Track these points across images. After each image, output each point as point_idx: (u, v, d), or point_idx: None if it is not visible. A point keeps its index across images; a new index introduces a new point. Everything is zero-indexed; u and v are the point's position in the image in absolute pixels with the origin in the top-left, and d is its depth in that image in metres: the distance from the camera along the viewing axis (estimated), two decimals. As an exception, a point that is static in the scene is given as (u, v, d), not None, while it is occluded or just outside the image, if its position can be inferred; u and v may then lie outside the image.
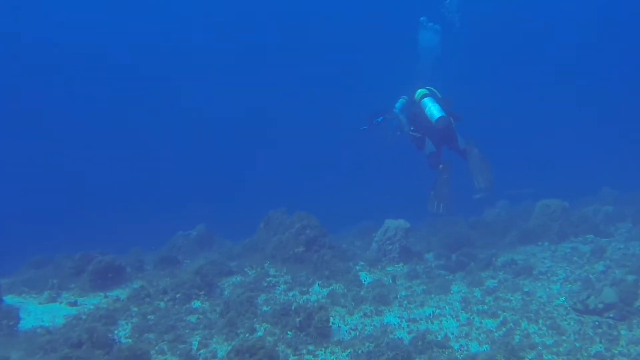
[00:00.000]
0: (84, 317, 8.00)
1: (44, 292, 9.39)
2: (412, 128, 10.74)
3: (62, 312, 8.53)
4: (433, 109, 10.07)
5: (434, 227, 15.16)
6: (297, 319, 7.43)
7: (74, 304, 8.95)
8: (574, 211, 13.24)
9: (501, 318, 7.96)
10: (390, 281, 9.70)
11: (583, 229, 12.59)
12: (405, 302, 8.77)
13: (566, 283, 9.41)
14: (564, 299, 8.54)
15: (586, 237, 12.42)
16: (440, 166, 10.64)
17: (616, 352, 6.62)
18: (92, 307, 8.74)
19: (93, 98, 36.80)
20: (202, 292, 8.92)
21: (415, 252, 10.97)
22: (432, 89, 10.65)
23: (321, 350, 6.94)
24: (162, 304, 8.70)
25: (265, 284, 9.47)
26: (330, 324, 7.38)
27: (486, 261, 10.77)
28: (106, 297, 9.20)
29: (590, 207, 14.48)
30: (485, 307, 8.46)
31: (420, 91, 10.46)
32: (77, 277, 9.95)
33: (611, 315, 7.90)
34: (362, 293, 9.08)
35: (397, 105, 11.59)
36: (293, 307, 7.76)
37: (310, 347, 7.01)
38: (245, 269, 10.46)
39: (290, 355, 6.77)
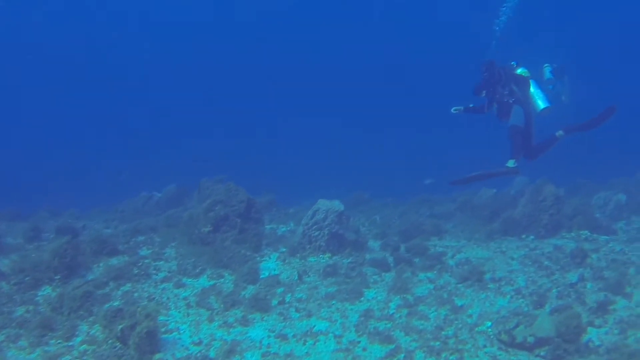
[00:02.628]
0: None
1: None
2: (506, 91, 9.26)
3: None
4: (542, 95, 9.16)
5: (412, 205, 13.15)
6: (119, 327, 5.82)
7: None
8: (571, 200, 10.83)
9: (394, 345, 6.03)
10: (296, 277, 7.87)
11: (578, 222, 10.25)
12: (292, 309, 6.95)
13: (518, 296, 7.34)
14: (490, 324, 6.48)
15: (580, 233, 10.15)
16: (514, 171, 8.90)
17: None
18: None
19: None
20: (58, 277, 7.41)
21: (350, 240, 9.01)
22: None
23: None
24: (5, 287, 7.28)
25: (137, 271, 7.84)
26: (164, 334, 5.73)
27: (435, 258, 8.73)
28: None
29: (601, 193, 11.96)
30: (388, 325, 6.53)
31: (525, 71, 9.46)
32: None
33: (542, 353, 5.83)
34: (244, 292, 7.33)
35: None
36: (127, 310, 6.13)
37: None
38: (138, 249, 8.88)
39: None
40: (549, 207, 10.32)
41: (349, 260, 8.57)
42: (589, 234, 10.11)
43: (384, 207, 13.55)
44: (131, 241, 9.32)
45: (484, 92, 9.42)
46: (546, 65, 10.43)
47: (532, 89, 9.24)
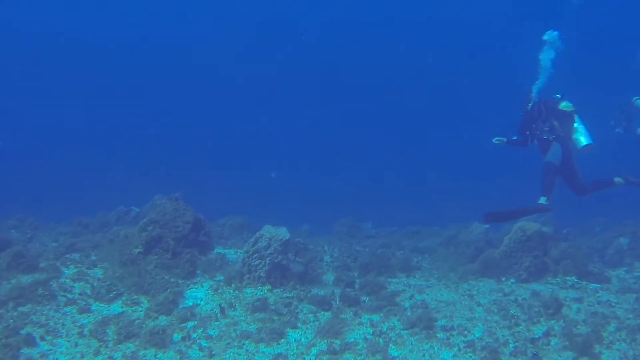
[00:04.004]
0: None
1: None
2: (546, 127, 8.89)
3: None
4: (585, 132, 8.70)
5: (400, 236, 12.12)
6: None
7: None
8: (558, 243, 9.66)
9: (290, 401, 5.05)
10: (218, 311, 6.97)
11: (565, 267, 9.08)
12: (196, 347, 6.03)
13: (467, 350, 6.29)
14: (415, 383, 5.44)
15: (566, 279, 8.98)
16: (546, 203, 8.18)
17: None
18: None
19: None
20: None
21: (296, 272, 8.05)
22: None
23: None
24: None
25: (42, 291, 7.03)
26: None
27: (388, 298, 7.71)
28: None
29: (604, 235, 10.74)
30: (296, 375, 5.56)
31: (570, 104, 8.97)
32: None
33: None
34: (152, 323, 6.46)
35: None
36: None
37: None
38: (64, 267, 8.13)
39: None
40: (533, 248, 9.20)
41: (288, 295, 7.62)
42: (576, 280, 8.98)
43: (367, 237, 12.53)
44: (62, 258, 8.59)
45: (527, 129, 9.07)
46: (636, 98, 11.06)
47: (575, 125, 8.73)
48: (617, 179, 8.47)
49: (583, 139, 8.59)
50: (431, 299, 7.96)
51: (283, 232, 8.05)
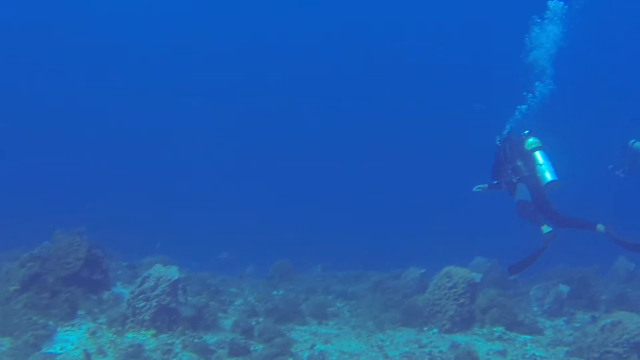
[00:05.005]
0: None
1: None
2: (509, 169, 8.89)
3: None
4: (547, 169, 8.63)
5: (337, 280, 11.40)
6: None
7: None
8: (487, 290, 8.95)
9: None
10: (81, 357, 6.24)
11: (492, 316, 8.36)
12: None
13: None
14: None
15: (493, 330, 8.23)
16: (551, 235, 8.09)
17: None
18: None
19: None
20: None
21: (186, 316, 7.35)
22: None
23: None
24: None
25: None
26: None
27: (282, 347, 6.98)
28: None
29: (541, 283, 10.06)
30: None
31: (535, 141, 8.88)
32: None
33: None
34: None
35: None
36: None
37: None
38: None
39: None
40: (459, 295, 8.49)
41: (173, 341, 6.90)
42: (504, 331, 8.22)
43: (300, 282, 11.78)
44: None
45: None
46: (634, 141, 12.21)
47: (540, 162, 8.63)
48: (598, 226, 8.16)
49: (548, 175, 8.46)
50: (335, 349, 7.23)
51: (173, 272, 7.39)
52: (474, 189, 9.32)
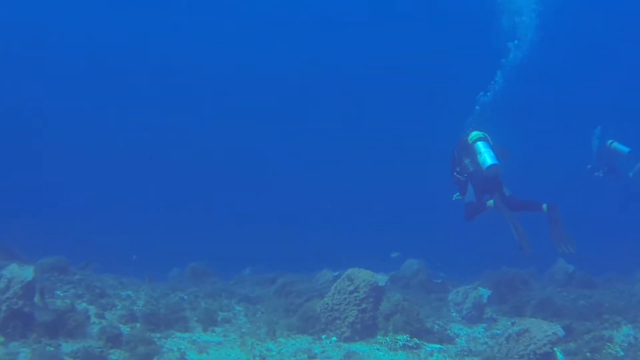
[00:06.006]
0: None
1: None
2: (457, 170, 9.28)
3: None
4: (486, 155, 8.85)
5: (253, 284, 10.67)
6: None
7: None
8: (392, 295, 8.26)
9: None
10: None
11: (396, 323, 7.67)
12: None
13: None
14: None
15: (397, 339, 7.53)
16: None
17: None
18: None
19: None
20: None
21: (42, 322, 6.58)
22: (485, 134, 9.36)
23: None
24: None
25: None
26: None
27: (145, 358, 6.26)
28: None
29: (460, 287, 9.43)
30: None
31: (476, 134, 9.21)
32: None
33: None
34: None
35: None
36: None
37: None
38: None
39: None
40: (361, 300, 7.80)
41: (25, 350, 6.16)
42: (408, 339, 7.53)
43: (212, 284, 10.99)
44: None
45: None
46: (611, 141, 12.88)
47: (481, 151, 8.87)
48: (543, 206, 8.42)
49: (488, 160, 8.70)
50: (207, 359, 6.51)
51: (28, 273, 6.62)
52: (453, 198, 9.55)
